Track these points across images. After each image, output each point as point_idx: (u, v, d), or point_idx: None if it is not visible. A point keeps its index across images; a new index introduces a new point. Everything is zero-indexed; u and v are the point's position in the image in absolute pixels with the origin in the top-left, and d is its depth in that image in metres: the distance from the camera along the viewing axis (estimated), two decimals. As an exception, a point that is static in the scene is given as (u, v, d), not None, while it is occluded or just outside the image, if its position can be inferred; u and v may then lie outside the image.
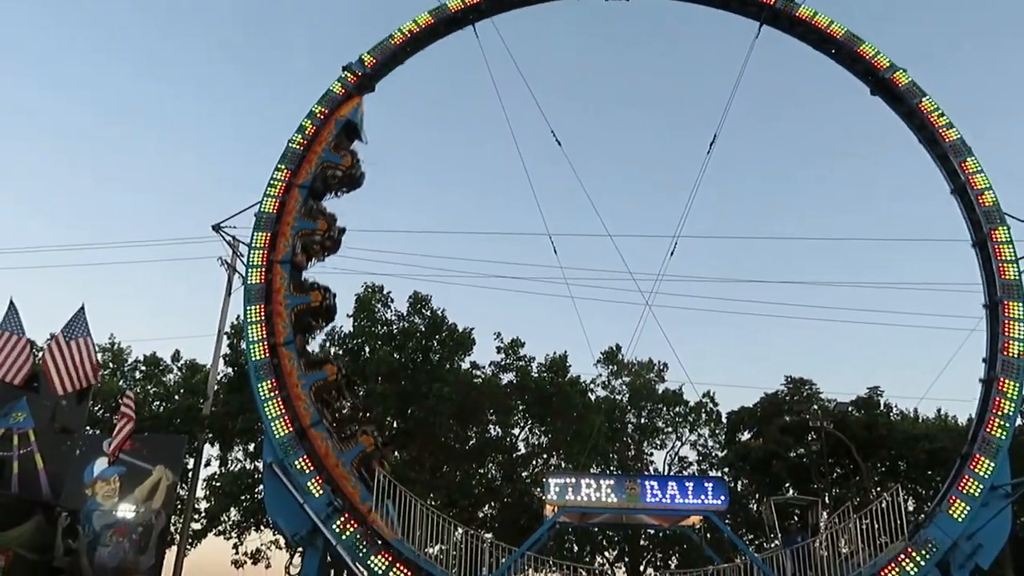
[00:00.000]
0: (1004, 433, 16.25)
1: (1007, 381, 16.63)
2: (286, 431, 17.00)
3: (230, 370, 29.47)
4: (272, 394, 17.35)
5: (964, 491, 15.91)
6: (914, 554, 15.51)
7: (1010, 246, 17.89)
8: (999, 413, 16.42)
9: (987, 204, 18.33)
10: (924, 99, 19.60)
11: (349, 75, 20.84)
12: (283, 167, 19.27)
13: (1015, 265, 17.68)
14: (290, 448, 16.84)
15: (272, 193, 18.92)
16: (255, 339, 17.77)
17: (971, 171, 18.67)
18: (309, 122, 20.01)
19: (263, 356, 17.56)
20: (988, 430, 16.35)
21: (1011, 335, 16.92)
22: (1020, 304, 17.16)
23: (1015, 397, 16.62)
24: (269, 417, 17.08)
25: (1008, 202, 18.33)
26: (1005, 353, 16.84)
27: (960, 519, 15.67)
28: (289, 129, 20.05)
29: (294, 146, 19.58)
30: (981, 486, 15.84)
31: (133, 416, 19.32)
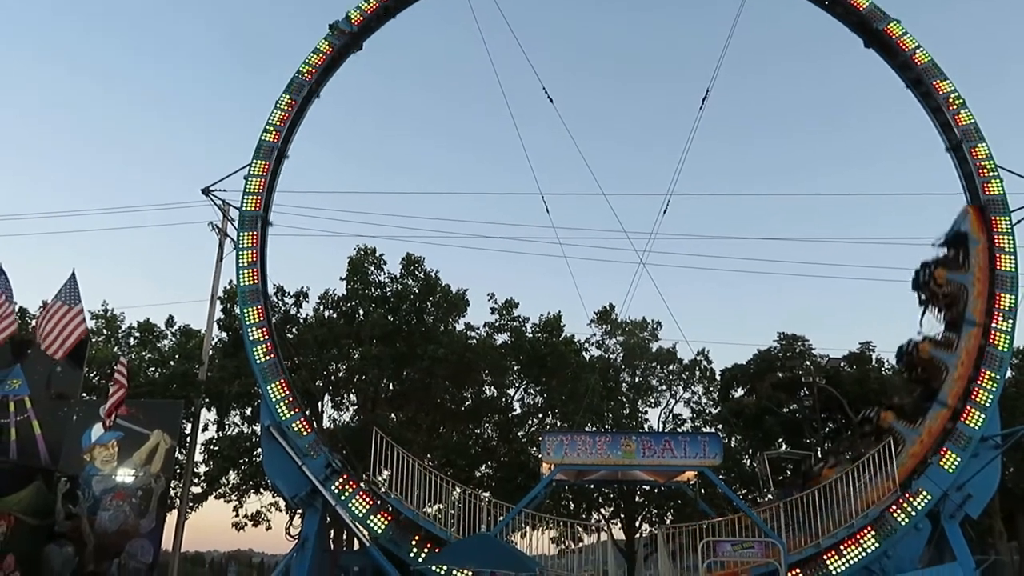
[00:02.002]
0: (995, 385, 16.44)
1: (999, 335, 16.83)
2: (283, 393, 17.08)
3: (224, 335, 29.44)
4: (268, 357, 17.40)
5: (955, 443, 16.14)
6: (905, 505, 15.77)
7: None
8: (987, 374, 16.62)
9: (980, 157, 18.28)
10: (918, 51, 19.43)
11: (336, 32, 20.55)
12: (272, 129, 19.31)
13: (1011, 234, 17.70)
14: (288, 410, 16.95)
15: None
16: (248, 302, 17.82)
17: (964, 124, 18.57)
18: (305, 68, 20.15)
19: (259, 319, 17.64)
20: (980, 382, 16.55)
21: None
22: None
23: (1006, 351, 16.82)
24: (266, 380, 17.14)
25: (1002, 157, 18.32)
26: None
27: (951, 470, 15.90)
28: (277, 91, 20.00)
29: (276, 121, 19.62)
30: (972, 438, 16.06)
31: (125, 383, 19.33)
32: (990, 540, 27.14)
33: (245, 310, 17.67)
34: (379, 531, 16.15)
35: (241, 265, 18.01)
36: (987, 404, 16.30)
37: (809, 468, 19.80)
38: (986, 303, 17.11)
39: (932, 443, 16.61)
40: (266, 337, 17.49)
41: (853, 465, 16.87)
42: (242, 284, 17.91)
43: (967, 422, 16.26)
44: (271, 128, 19.43)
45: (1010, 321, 16.85)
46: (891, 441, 16.74)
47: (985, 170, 18.16)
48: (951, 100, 18.85)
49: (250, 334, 17.48)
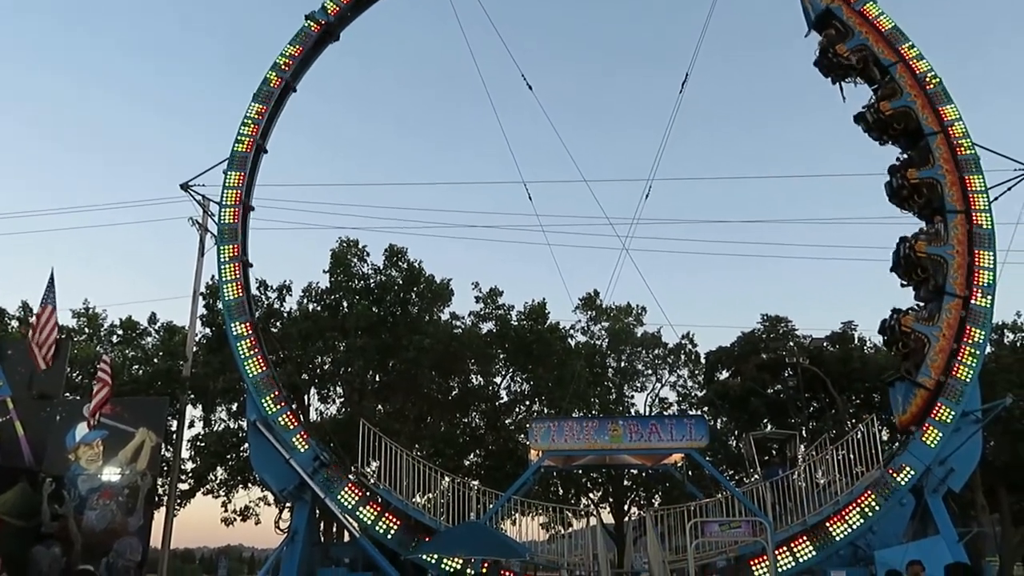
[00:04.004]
0: (975, 360, 16.62)
1: (978, 312, 17.00)
2: (268, 387, 17.03)
3: (208, 331, 29.27)
4: (252, 352, 17.34)
5: (937, 418, 16.31)
6: (888, 480, 15.97)
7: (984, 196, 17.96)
8: (971, 342, 16.76)
9: (965, 153, 18.28)
10: (906, 44, 19.38)
11: (312, 24, 20.40)
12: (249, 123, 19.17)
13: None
14: (274, 405, 16.91)
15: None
16: (231, 297, 17.75)
17: (949, 119, 18.60)
18: (274, 74, 19.89)
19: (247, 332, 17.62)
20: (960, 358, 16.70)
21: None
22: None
23: (985, 326, 17.01)
24: (251, 375, 17.08)
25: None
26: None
27: (933, 445, 16.10)
28: (254, 84, 19.84)
29: (259, 101, 19.46)
30: (953, 413, 16.24)
31: (109, 381, 19.17)
32: (972, 513, 27.54)
33: (232, 324, 17.57)
34: (380, 531, 16.12)
35: (226, 279, 17.94)
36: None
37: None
38: (966, 275, 17.29)
39: (918, 413, 16.70)
40: (249, 331, 17.45)
41: (838, 443, 17.04)
42: (227, 298, 17.82)
43: (948, 397, 16.41)
44: (248, 121, 19.31)
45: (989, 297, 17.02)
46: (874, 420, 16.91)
47: (963, 148, 18.27)
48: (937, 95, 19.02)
49: (237, 337, 17.40)
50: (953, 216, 17.43)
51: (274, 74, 19.73)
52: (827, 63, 19.32)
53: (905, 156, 18.81)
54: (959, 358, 16.56)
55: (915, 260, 17.45)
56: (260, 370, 17.12)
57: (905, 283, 18.06)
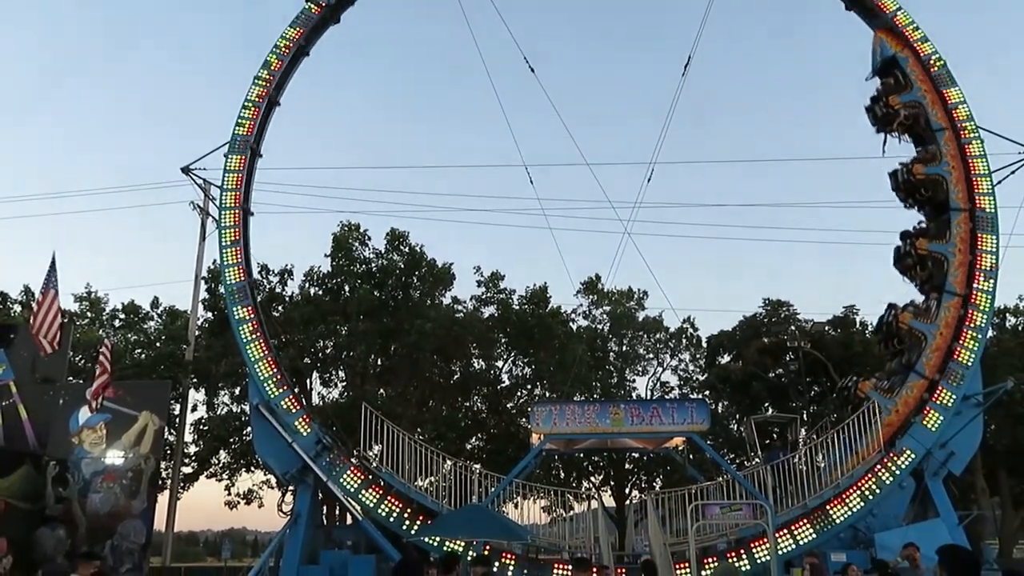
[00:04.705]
0: (976, 344, 16.63)
1: (980, 295, 17.01)
2: (270, 371, 17.06)
3: (210, 315, 29.30)
4: (254, 336, 17.36)
5: (938, 401, 16.33)
6: (889, 464, 16.02)
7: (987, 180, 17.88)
8: (972, 326, 16.77)
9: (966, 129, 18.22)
10: (899, 13, 19.36)
11: (313, 6, 20.27)
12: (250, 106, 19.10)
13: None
14: (276, 388, 16.95)
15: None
16: (233, 281, 17.77)
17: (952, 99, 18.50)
18: (275, 57, 19.82)
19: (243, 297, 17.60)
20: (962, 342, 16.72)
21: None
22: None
23: (986, 310, 17.01)
24: (253, 359, 17.11)
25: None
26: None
27: (934, 429, 16.13)
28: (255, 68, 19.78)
29: (259, 84, 19.36)
30: (954, 396, 16.27)
31: (108, 366, 19.17)
32: (972, 496, 27.65)
33: (234, 308, 17.56)
34: (383, 513, 16.19)
35: (227, 262, 17.92)
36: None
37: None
38: (967, 273, 17.23)
39: (907, 413, 16.77)
40: (251, 315, 17.46)
41: (839, 427, 17.07)
42: (228, 281, 17.80)
43: (949, 381, 16.43)
44: (249, 104, 19.26)
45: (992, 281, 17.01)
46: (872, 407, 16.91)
47: (967, 131, 18.20)
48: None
49: (239, 321, 17.43)
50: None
51: (275, 57, 19.63)
52: (876, 111, 18.80)
53: (922, 226, 18.62)
54: (960, 341, 16.60)
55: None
56: (262, 354, 17.15)
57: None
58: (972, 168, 17.67)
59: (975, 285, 16.85)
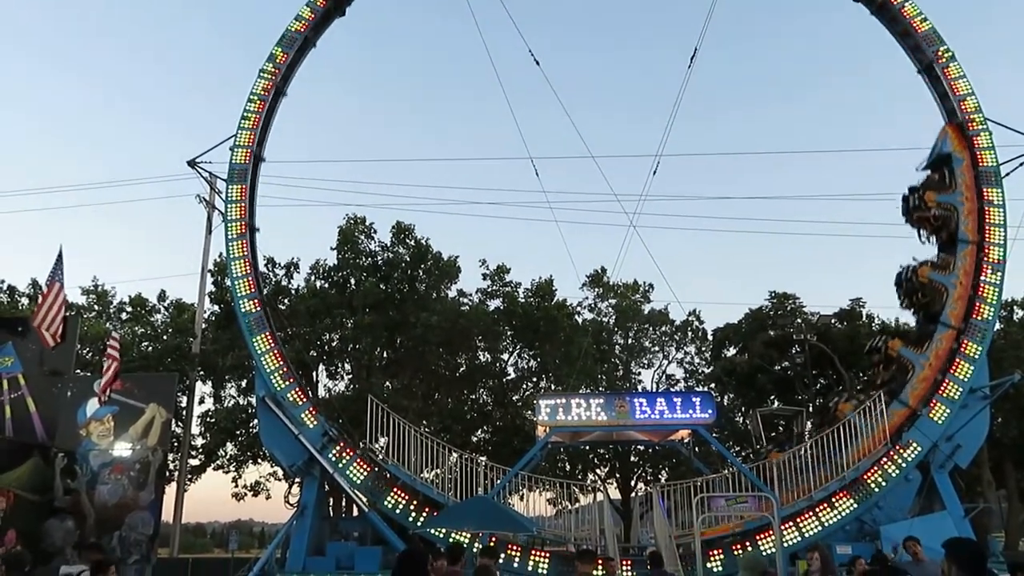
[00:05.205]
0: (983, 337, 16.59)
1: (987, 287, 16.98)
2: (277, 364, 17.10)
3: (216, 308, 29.40)
4: (260, 328, 17.39)
5: (944, 395, 16.30)
6: (896, 456, 15.99)
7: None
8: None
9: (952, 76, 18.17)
10: (907, 4, 19.19)
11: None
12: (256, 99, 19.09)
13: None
14: (282, 381, 16.99)
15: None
16: (239, 274, 17.78)
17: (950, 72, 18.43)
18: (280, 50, 19.80)
19: (249, 291, 17.63)
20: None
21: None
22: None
23: (993, 302, 16.95)
24: (259, 351, 17.15)
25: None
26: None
27: (940, 422, 16.09)
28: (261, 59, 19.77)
29: (264, 77, 19.33)
30: (961, 389, 16.23)
31: (118, 357, 19.26)
32: (979, 489, 27.62)
33: (237, 283, 17.61)
34: (388, 506, 16.25)
35: (233, 256, 17.94)
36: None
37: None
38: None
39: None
40: (258, 308, 17.49)
41: (844, 419, 17.03)
42: (233, 267, 17.82)
43: (956, 374, 16.42)
44: (255, 98, 19.22)
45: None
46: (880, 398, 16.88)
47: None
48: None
49: (242, 306, 17.47)
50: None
51: (280, 50, 19.61)
52: (910, 201, 18.34)
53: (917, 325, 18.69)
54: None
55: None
56: (268, 347, 17.18)
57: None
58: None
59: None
